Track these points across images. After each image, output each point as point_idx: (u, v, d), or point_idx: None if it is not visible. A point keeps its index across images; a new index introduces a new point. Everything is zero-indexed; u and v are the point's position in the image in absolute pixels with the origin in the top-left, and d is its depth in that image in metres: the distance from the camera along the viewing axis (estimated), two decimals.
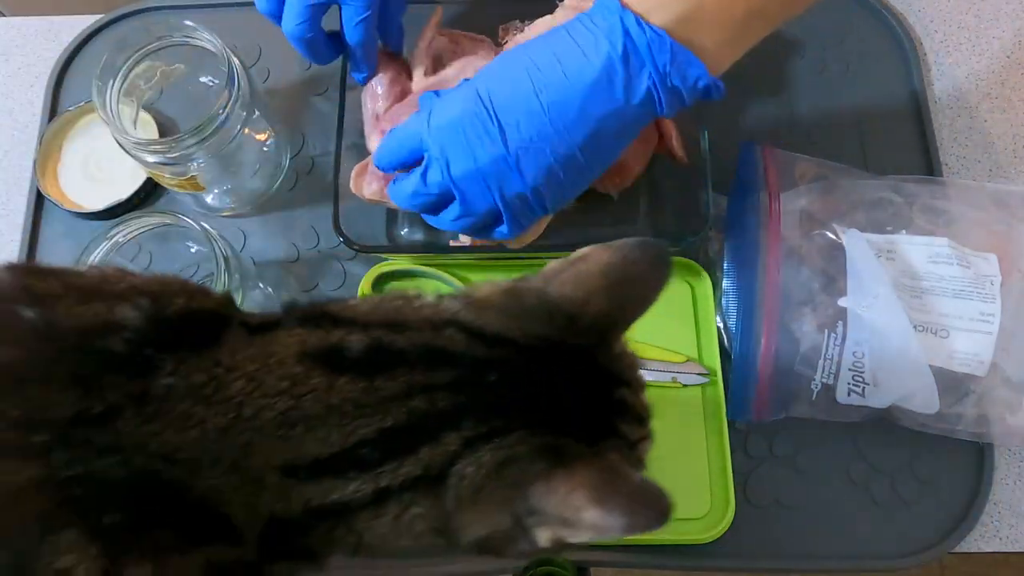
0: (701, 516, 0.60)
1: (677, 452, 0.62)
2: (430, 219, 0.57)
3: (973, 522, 0.62)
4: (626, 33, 0.48)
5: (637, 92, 0.49)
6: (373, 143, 0.63)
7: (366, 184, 0.64)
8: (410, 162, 0.54)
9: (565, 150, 0.50)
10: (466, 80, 0.53)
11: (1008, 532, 0.63)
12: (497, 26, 0.70)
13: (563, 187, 0.52)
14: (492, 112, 0.49)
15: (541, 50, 0.50)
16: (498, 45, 0.66)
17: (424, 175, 0.53)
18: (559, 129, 0.49)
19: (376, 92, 0.64)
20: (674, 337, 0.65)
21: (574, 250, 0.66)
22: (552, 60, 0.49)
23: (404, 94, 0.65)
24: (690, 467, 0.61)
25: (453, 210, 0.54)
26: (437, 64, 0.67)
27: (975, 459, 0.63)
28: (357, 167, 0.65)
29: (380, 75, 0.65)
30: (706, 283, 0.66)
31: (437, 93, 0.54)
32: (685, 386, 0.63)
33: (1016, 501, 0.63)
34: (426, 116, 0.52)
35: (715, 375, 0.63)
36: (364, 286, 0.66)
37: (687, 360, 0.64)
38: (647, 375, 0.63)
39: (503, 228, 0.55)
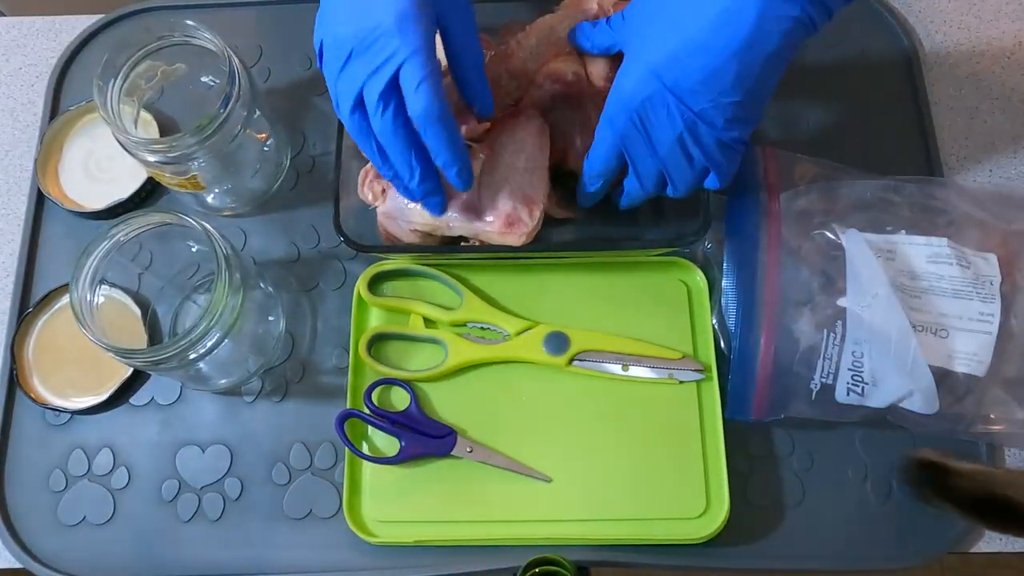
0: (697, 515, 0.60)
1: (672, 449, 0.62)
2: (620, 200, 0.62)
3: None
4: None
5: (794, 25, 0.49)
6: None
7: (377, 185, 0.64)
8: (622, 163, 0.58)
9: (747, 93, 0.52)
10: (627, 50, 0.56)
11: None
12: (497, 26, 0.70)
13: (744, 122, 0.54)
14: (666, 89, 0.52)
15: (690, 17, 0.51)
16: (498, 44, 0.66)
17: (634, 164, 0.57)
18: (733, 82, 0.51)
19: None
20: (670, 334, 0.65)
21: (574, 250, 0.67)
22: (705, 28, 0.50)
23: None
24: (685, 465, 0.61)
25: (670, 185, 0.58)
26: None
27: (975, 459, 0.63)
28: (368, 172, 0.65)
29: None
30: (701, 280, 0.66)
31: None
32: (681, 382, 0.63)
33: None
34: (606, 116, 0.56)
35: (710, 372, 0.64)
36: (360, 285, 0.66)
37: (683, 356, 0.64)
38: (643, 371, 0.63)
39: (716, 183, 0.57)
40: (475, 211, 0.61)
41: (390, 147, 0.54)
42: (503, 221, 0.60)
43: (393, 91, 0.52)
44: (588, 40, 0.62)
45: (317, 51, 0.55)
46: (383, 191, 0.63)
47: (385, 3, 0.51)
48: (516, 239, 0.60)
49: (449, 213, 0.61)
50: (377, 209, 0.64)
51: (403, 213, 0.62)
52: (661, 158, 0.55)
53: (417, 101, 0.51)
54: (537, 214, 0.61)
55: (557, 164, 0.64)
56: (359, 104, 0.53)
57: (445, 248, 0.66)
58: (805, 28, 0.50)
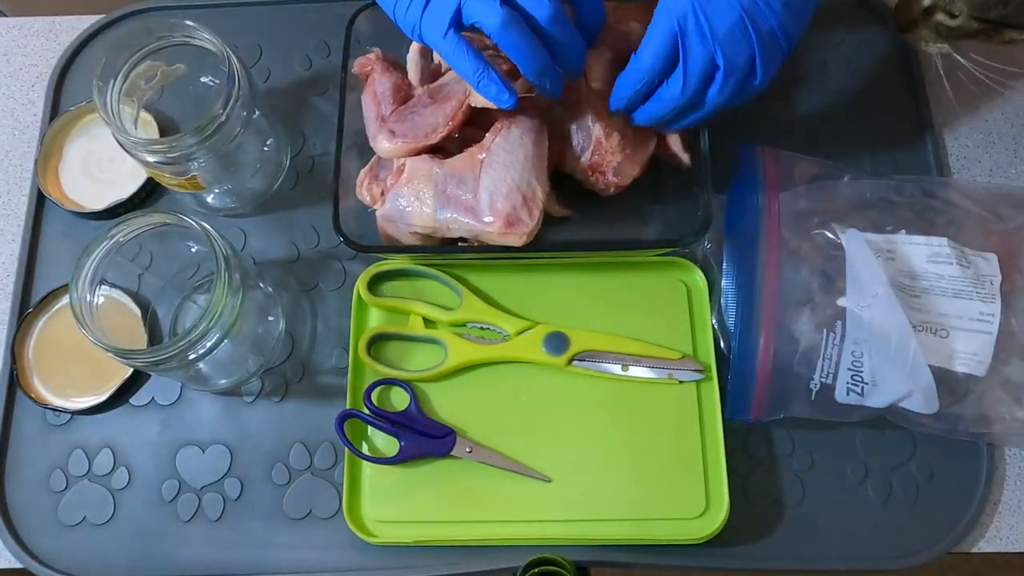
0: (697, 515, 0.60)
1: (672, 449, 0.62)
2: (642, 114, 0.60)
3: (973, 522, 0.62)
4: None
5: None
6: (381, 143, 0.63)
7: (377, 186, 0.64)
8: (671, 60, 0.56)
9: None
10: None
11: (1008, 532, 0.63)
12: None
13: (796, 16, 0.54)
14: None
15: None
16: None
17: (686, 52, 0.55)
18: None
19: (379, 96, 0.64)
20: (669, 334, 0.65)
21: (574, 250, 0.67)
22: None
23: (407, 97, 0.65)
24: (685, 465, 0.61)
25: (716, 80, 0.56)
26: (433, 63, 0.67)
27: (975, 459, 0.63)
28: (366, 173, 0.65)
29: (381, 79, 0.65)
30: (701, 280, 0.66)
31: None
32: (681, 382, 0.63)
33: (1016, 501, 0.63)
34: (662, 7, 0.55)
35: (710, 372, 0.64)
36: (360, 285, 0.66)
37: (682, 357, 0.64)
38: (643, 371, 0.64)
39: (757, 79, 0.56)
40: (474, 212, 0.61)
41: (520, 51, 0.55)
42: (503, 221, 0.60)
43: (452, 18, 0.54)
44: None
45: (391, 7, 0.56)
46: (382, 193, 0.63)
47: None
48: (516, 239, 0.60)
49: (448, 214, 0.61)
50: (376, 212, 0.64)
51: (402, 216, 0.62)
52: (720, 41, 0.54)
53: (545, 4, 0.54)
54: (537, 214, 0.61)
55: (555, 165, 0.64)
56: (454, 23, 0.54)
57: (445, 248, 0.66)
58: None
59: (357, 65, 0.67)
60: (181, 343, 0.55)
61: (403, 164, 0.62)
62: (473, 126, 0.63)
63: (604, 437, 0.63)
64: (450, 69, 0.65)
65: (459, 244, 0.65)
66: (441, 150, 0.64)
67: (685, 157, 0.65)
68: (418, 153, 0.63)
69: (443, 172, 0.61)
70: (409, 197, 0.61)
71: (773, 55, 0.55)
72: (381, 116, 0.64)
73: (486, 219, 0.60)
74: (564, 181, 0.66)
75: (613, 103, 0.60)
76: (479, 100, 0.60)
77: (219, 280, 0.56)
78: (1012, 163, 0.73)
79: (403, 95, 0.65)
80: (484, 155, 0.61)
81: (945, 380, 0.59)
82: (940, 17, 0.60)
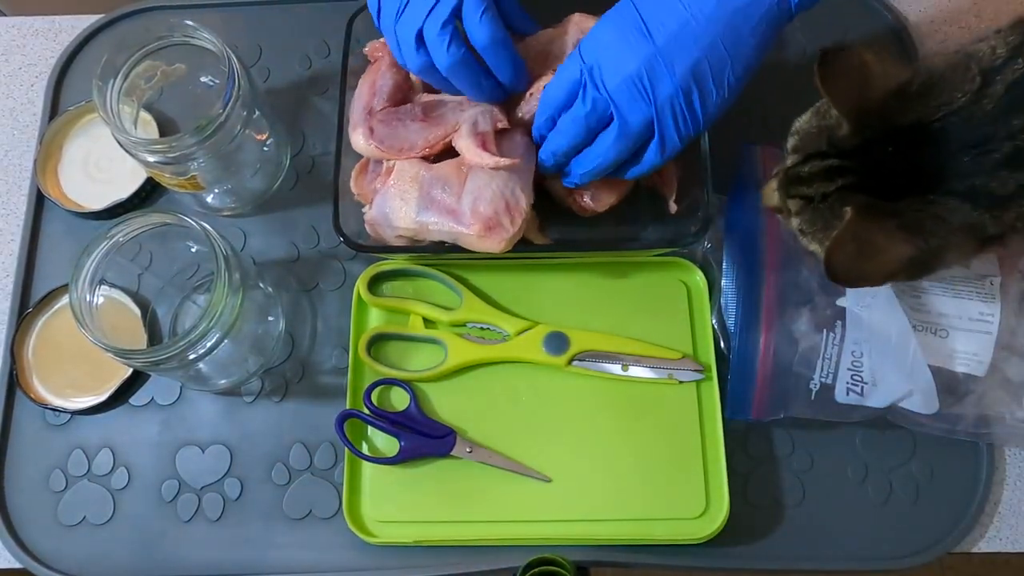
0: (697, 515, 0.60)
1: (672, 449, 0.62)
2: (578, 165, 0.60)
3: (973, 522, 0.62)
4: None
5: None
6: (357, 138, 0.62)
7: (367, 183, 0.64)
8: (570, 100, 0.57)
9: (708, 40, 0.53)
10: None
11: (1009, 532, 0.63)
12: None
13: (709, 90, 0.55)
14: (639, 17, 0.54)
15: None
16: None
17: (584, 94, 0.56)
18: (700, 20, 0.53)
19: (376, 87, 0.64)
20: (669, 334, 0.65)
21: (574, 250, 0.67)
22: None
23: (404, 100, 0.65)
24: (685, 465, 0.61)
25: (610, 132, 0.57)
26: None
27: (975, 459, 0.63)
28: (357, 167, 0.65)
29: (385, 73, 0.64)
30: (700, 280, 0.66)
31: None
32: (681, 383, 0.63)
33: (1016, 501, 0.63)
34: (579, 47, 0.57)
35: (710, 372, 0.64)
36: (360, 285, 0.66)
37: (682, 357, 0.64)
38: (643, 371, 0.63)
39: (652, 150, 0.57)
40: (455, 215, 0.60)
41: (457, 76, 0.59)
42: (483, 225, 0.59)
43: (452, 26, 0.56)
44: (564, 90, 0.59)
45: (372, 8, 0.59)
46: (369, 197, 0.63)
47: None
48: (495, 244, 0.59)
49: (429, 217, 0.60)
50: (364, 215, 0.63)
51: (387, 219, 0.61)
52: (612, 92, 0.55)
53: (482, 29, 0.57)
54: (519, 221, 0.59)
55: (538, 183, 0.63)
56: (420, 42, 0.57)
57: (444, 248, 0.66)
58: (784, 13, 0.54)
59: (370, 47, 0.66)
60: (181, 343, 0.55)
61: (392, 165, 0.62)
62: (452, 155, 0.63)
63: (604, 437, 0.63)
64: None
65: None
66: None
67: (672, 206, 0.65)
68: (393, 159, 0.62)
69: (430, 175, 0.61)
70: (395, 199, 0.61)
71: (673, 126, 0.55)
72: (370, 109, 0.63)
73: (466, 222, 0.59)
74: (544, 205, 0.65)
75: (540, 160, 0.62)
76: (464, 146, 0.60)
77: (219, 280, 0.56)
78: None
79: (401, 96, 0.64)
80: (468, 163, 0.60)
81: (945, 380, 0.59)
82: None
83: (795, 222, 0.55)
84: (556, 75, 0.58)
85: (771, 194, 0.57)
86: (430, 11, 0.56)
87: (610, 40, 0.55)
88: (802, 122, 0.56)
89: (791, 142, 0.56)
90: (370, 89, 0.64)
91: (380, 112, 0.63)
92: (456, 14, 0.56)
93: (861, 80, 0.51)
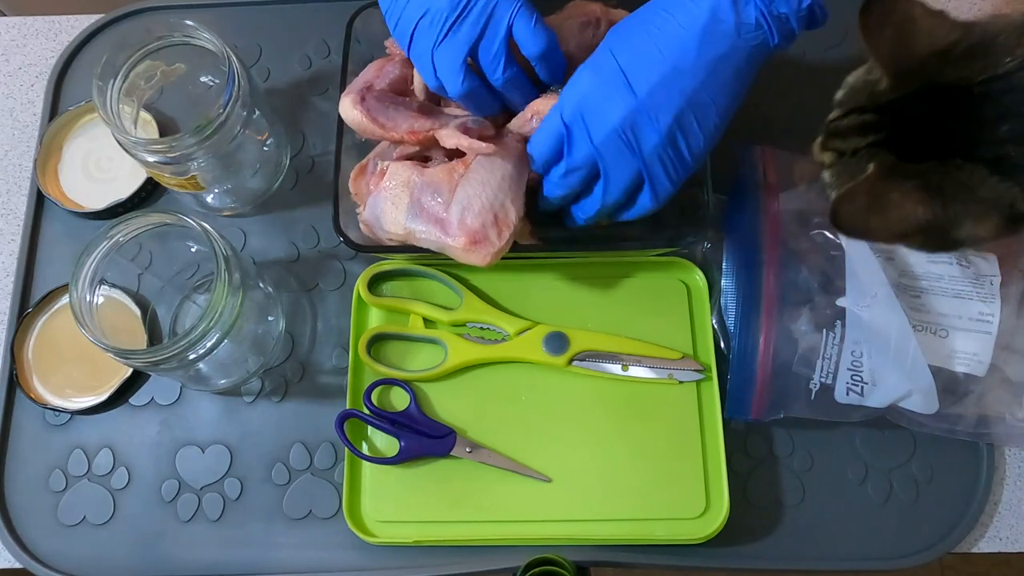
0: (697, 515, 0.60)
1: (672, 449, 0.62)
2: (577, 211, 0.60)
3: (973, 522, 0.62)
4: None
5: (747, 26, 0.52)
6: (347, 102, 0.62)
7: (364, 184, 0.64)
8: (557, 152, 0.58)
9: (691, 89, 0.53)
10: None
11: (1008, 532, 0.63)
12: None
13: (695, 135, 0.55)
14: (619, 68, 0.54)
15: (653, 9, 0.55)
16: None
17: (570, 148, 0.56)
18: (681, 71, 0.53)
19: (384, 72, 0.64)
20: (670, 334, 0.65)
21: (574, 250, 0.67)
22: (664, 15, 0.54)
23: (405, 94, 0.65)
24: (685, 465, 0.61)
25: (600, 184, 0.57)
26: None
27: (975, 459, 0.63)
28: (356, 168, 0.65)
29: (398, 64, 0.64)
30: (701, 280, 0.66)
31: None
32: (681, 383, 0.63)
33: (1016, 501, 0.63)
34: (560, 99, 0.57)
35: (710, 372, 0.64)
36: (360, 285, 0.66)
37: (683, 357, 0.64)
38: (643, 371, 0.63)
39: (645, 196, 0.57)
40: (443, 225, 0.59)
41: (514, 93, 0.59)
42: (469, 239, 0.58)
43: (506, 46, 0.56)
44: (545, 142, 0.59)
45: (406, 37, 0.58)
46: (363, 200, 0.63)
47: None
48: (480, 259, 0.58)
49: (418, 225, 0.60)
50: (358, 215, 0.63)
51: (378, 222, 0.61)
52: (597, 147, 0.55)
53: (537, 38, 0.56)
54: (506, 235, 0.59)
55: (532, 187, 0.63)
56: (464, 67, 0.57)
57: None
58: (763, 51, 0.54)
59: (390, 42, 0.67)
60: (181, 343, 0.55)
61: (386, 167, 0.62)
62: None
63: (604, 437, 0.63)
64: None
65: None
66: (427, 158, 0.64)
67: None
68: (372, 137, 0.62)
69: (421, 181, 0.60)
70: (386, 203, 0.60)
71: (663, 175, 0.56)
72: (370, 84, 0.63)
73: (453, 234, 0.59)
74: (535, 208, 0.65)
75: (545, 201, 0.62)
76: (446, 134, 0.60)
77: (219, 280, 0.56)
78: None
79: (404, 89, 0.64)
80: (463, 170, 0.60)
81: (945, 380, 0.59)
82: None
83: (826, 175, 0.54)
84: (541, 126, 0.58)
85: (816, 148, 0.56)
86: (481, 33, 0.56)
87: (591, 92, 0.55)
88: (854, 76, 0.54)
89: (839, 95, 0.55)
90: (377, 70, 0.64)
91: (378, 91, 0.62)
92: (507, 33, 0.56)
93: (905, 33, 0.49)
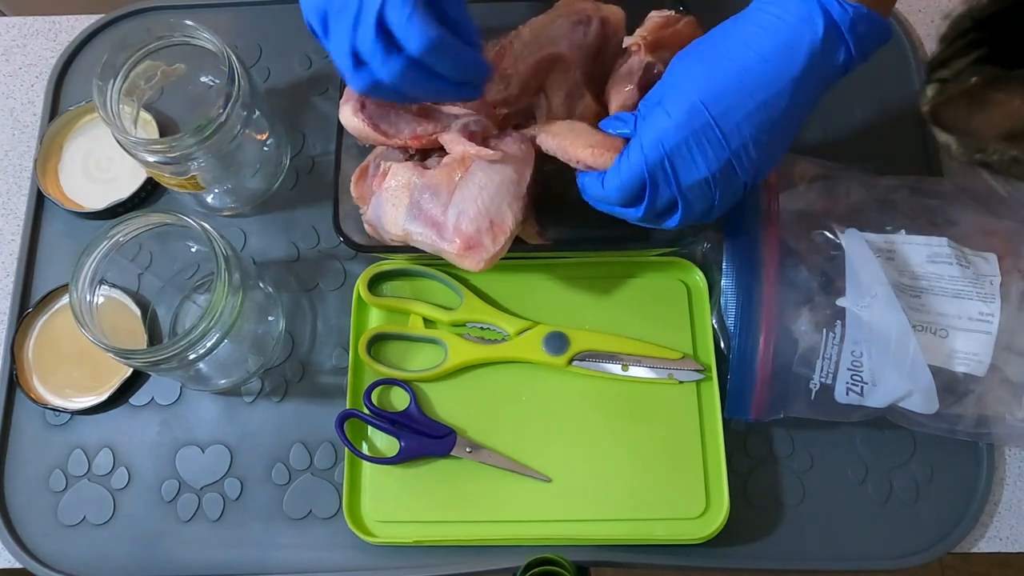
0: (697, 515, 0.60)
1: (672, 449, 0.62)
2: (620, 214, 0.58)
3: (973, 522, 0.62)
4: (826, 14, 0.50)
5: (835, 68, 0.52)
6: (347, 109, 0.61)
7: (367, 186, 0.64)
8: (635, 195, 0.54)
9: (782, 134, 0.52)
10: (664, 89, 0.53)
11: (1008, 532, 0.63)
12: (495, 26, 0.69)
13: (768, 168, 0.54)
14: (711, 118, 0.51)
15: (743, 51, 0.52)
16: (493, 46, 0.66)
17: (654, 194, 0.54)
18: (775, 119, 0.51)
19: None
20: (670, 334, 0.65)
21: (574, 250, 0.67)
22: (759, 60, 0.51)
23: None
24: (685, 465, 0.61)
25: (675, 217, 0.55)
26: None
27: (975, 459, 0.63)
28: (357, 171, 0.64)
29: None
30: (701, 280, 0.66)
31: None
32: (681, 383, 0.63)
33: (1016, 501, 0.63)
34: (640, 145, 0.53)
35: (710, 372, 0.64)
36: (360, 285, 0.66)
37: (683, 357, 0.64)
38: (643, 371, 0.63)
39: (705, 216, 0.56)
40: (439, 228, 0.59)
41: (411, 85, 0.51)
42: (463, 243, 0.58)
43: (382, 34, 0.49)
44: (631, 119, 0.55)
45: (313, 31, 0.53)
46: (366, 201, 0.63)
47: None
48: (473, 264, 0.58)
49: (415, 227, 0.59)
50: (362, 215, 0.63)
51: (379, 222, 0.61)
52: (683, 192, 0.53)
53: (413, 34, 0.48)
54: (502, 240, 0.58)
55: (546, 179, 0.63)
56: (357, 61, 0.51)
57: None
58: (842, 69, 0.52)
59: None
60: (181, 343, 0.55)
61: (388, 167, 0.62)
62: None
63: (604, 437, 0.63)
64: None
65: None
66: (427, 157, 0.64)
67: None
68: (374, 143, 0.62)
69: (421, 183, 0.60)
70: (387, 203, 0.60)
71: (733, 197, 0.55)
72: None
73: (448, 238, 0.58)
74: (547, 206, 0.65)
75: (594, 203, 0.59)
76: (450, 139, 0.60)
77: (219, 280, 0.56)
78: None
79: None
80: (463, 172, 0.60)
81: (945, 380, 0.59)
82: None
83: (925, 107, 0.52)
84: (621, 169, 0.54)
85: (922, 94, 0.54)
86: (355, 24, 0.49)
87: (681, 142, 0.52)
88: (955, 11, 0.53)
89: (942, 29, 0.53)
90: None
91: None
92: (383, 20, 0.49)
93: None
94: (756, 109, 0.51)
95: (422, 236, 0.59)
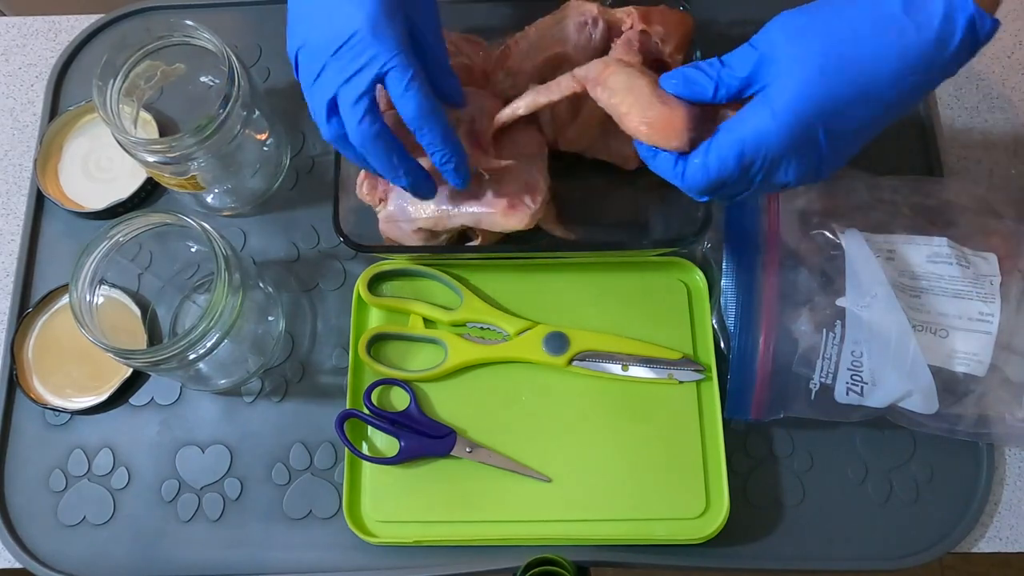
0: (697, 515, 0.60)
1: (672, 449, 0.62)
2: (702, 199, 0.53)
3: (973, 522, 0.62)
4: (970, 27, 0.45)
5: (949, 67, 0.47)
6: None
7: (367, 190, 0.64)
8: (720, 185, 0.50)
9: (875, 132, 0.49)
10: (769, 72, 0.48)
11: (1008, 532, 0.63)
12: (496, 27, 0.69)
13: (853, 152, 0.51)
14: (823, 141, 0.48)
15: (873, 64, 0.47)
16: (498, 44, 0.66)
17: (732, 190, 0.51)
18: (876, 118, 0.48)
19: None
20: (670, 334, 0.65)
21: (574, 250, 0.67)
22: (893, 78, 0.47)
23: None
24: (685, 465, 0.61)
25: (731, 199, 0.53)
26: None
27: (975, 459, 0.63)
28: (363, 173, 0.65)
29: None
30: (701, 280, 0.66)
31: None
32: (681, 383, 0.63)
33: (1016, 501, 0.63)
34: (741, 146, 0.48)
35: (710, 372, 0.64)
36: (360, 285, 0.66)
37: (683, 357, 0.64)
38: (643, 371, 0.64)
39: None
40: (477, 198, 0.61)
41: (370, 152, 0.53)
42: (506, 204, 0.60)
43: (368, 97, 0.51)
44: (709, 83, 0.50)
45: (292, 62, 0.54)
46: (381, 199, 0.63)
47: (357, 8, 0.50)
48: (519, 221, 0.60)
49: (449, 205, 0.61)
50: (379, 214, 0.64)
51: (405, 213, 0.62)
52: (760, 189, 0.51)
53: (409, 101, 0.51)
54: (539, 200, 0.61)
55: (553, 149, 0.64)
56: (333, 110, 0.53)
57: (445, 248, 0.66)
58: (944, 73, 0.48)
59: None
60: (181, 343, 0.55)
61: None
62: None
63: (604, 437, 0.63)
64: None
65: (463, 244, 0.65)
66: None
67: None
68: None
69: None
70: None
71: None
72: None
73: (489, 203, 0.60)
74: (568, 201, 0.66)
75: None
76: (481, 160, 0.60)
77: (219, 280, 0.56)
78: (1012, 163, 0.73)
79: None
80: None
81: (945, 380, 0.59)
82: None
83: None
84: (707, 167, 0.49)
85: None
86: (348, 79, 0.51)
87: (780, 156, 0.48)
88: None
89: None
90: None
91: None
92: (377, 83, 0.51)
93: None
94: (871, 125, 0.48)
95: (459, 210, 0.61)
